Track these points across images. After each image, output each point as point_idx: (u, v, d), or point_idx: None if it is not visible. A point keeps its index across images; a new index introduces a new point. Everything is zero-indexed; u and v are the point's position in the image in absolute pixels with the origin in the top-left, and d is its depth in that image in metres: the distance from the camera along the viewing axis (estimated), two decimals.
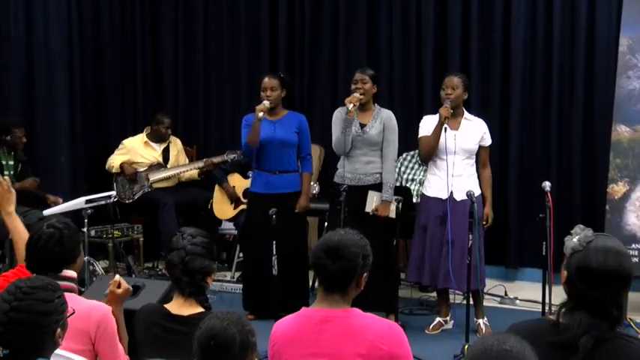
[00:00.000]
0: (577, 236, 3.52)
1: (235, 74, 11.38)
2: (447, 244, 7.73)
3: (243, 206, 9.89)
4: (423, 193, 8.17)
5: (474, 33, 10.11)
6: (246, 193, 9.90)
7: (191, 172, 10.36)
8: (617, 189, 8.57)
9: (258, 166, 8.45)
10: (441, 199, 7.75)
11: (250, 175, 9.91)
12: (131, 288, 4.91)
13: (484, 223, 7.87)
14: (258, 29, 11.23)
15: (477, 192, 7.78)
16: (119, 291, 4.76)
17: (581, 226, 3.61)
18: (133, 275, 9.26)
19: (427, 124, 7.91)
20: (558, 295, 7.06)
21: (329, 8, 10.86)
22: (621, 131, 8.59)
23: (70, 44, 10.65)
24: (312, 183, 8.59)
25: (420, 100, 10.31)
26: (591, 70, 9.54)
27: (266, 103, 8.12)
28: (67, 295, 3.86)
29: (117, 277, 4.89)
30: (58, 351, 3.77)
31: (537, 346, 2.89)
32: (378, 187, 7.90)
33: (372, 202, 7.76)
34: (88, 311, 4.44)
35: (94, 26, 11.06)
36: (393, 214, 7.86)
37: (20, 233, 4.95)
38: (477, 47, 10.10)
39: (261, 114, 8.03)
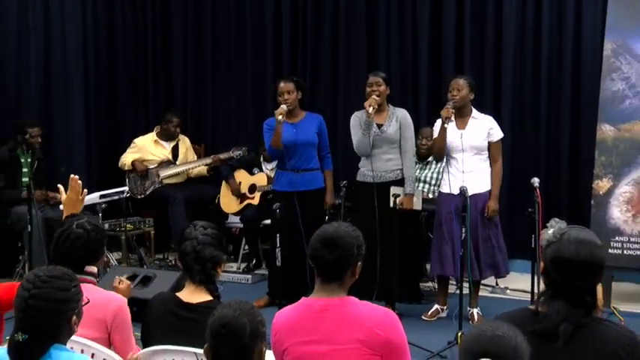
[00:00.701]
0: (552, 229, 3.53)
1: (241, 76, 11.39)
2: (460, 237, 7.76)
3: (248, 201, 9.93)
4: (440, 191, 8.22)
5: (467, 37, 10.13)
6: (252, 188, 9.94)
7: (200, 168, 10.39)
8: (602, 185, 8.58)
9: (282, 166, 8.46)
10: (453, 194, 7.76)
11: (256, 171, 9.98)
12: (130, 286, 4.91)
13: (486, 213, 7.86)
14: (263, 34, 11.25)
15: (487, 187, 7.89)
16: (121, 287, 4.77)
17: (556, 219, 3.63)
18: (145, 266, 9.28)
19: (438, 127, 7.93)
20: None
21: (330, 13, 10.87)
22: (606, 130, 8.59)
23: (85, 49, 10.68)
24: None
25: (415, 99, 10.33)
26: (578, 72, 9.59)
27: (284, 107, 8.10)
28: (86, 286, 3.89)
29: (116, 278, 4.93)
30: (74, 337, 3.79)
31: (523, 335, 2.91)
32: (399, 182, 7.94)
33: (396, 197, 7.77)
34: (106, 302, 4.46)
35: (107, 31, 11.07)
36: (418, 206, 7.98)
37: None
38: (469, 51, 10.13)
39: (280, 117, 8.02)
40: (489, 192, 7.88)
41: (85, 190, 5.24)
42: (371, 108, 7.72)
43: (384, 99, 7.97)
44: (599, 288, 3.57)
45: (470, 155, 7.84)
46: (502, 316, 3.64)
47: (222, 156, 9.97)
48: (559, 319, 3.39)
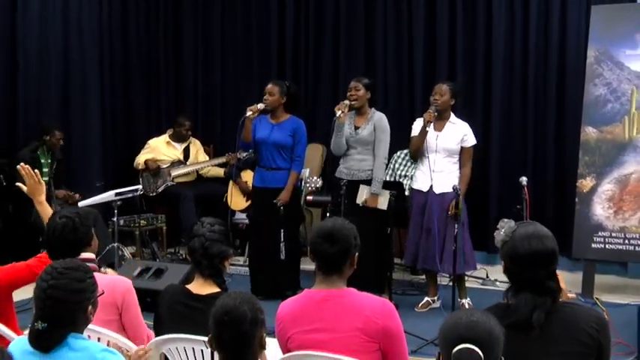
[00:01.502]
0: (502, 229, 3.58)
1: (248, 82, 11.40)
2: (426, 232, 7.78)
3: None
4: (411, 187, 8.20)
5: (459, 46, 10.16)
6: None
7: (216, 169, 10.41)
8: (586, 183, 8.59)
9: (258, 163, 8.51)
10: (422, 191, 7.79)
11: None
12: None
13: (449, 212, 7.73)
14: (268, 43, 11.28)
15: (448, 187, 7.73)
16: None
17: (505, 219, 3.68)
18: (157, 259, 9.29)
19: (417, 126, 7.91)
20: None
21: (330, 24, 10.91)
22: (589, 132, 8.60)
23: (101, 57, 10.70)
24: (314, 178, 8.58)
25: (411, 104, 10.34)
26: (563, 78, 9.61)
27: (259, 105, 8.18)
28: (97, 275, 3.88)
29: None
30: (90, 326, 3.79)
31: None
32: (370, 182, 7.88)
33: (363, 194, 7.77)
34: (113, 285, 4.47)
35: (122, 40, 11.09)
36: (383, 206, 7.81)
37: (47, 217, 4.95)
38: (461, 59, 10.15)
39: (249, 113, 8.14)
40: (454, 191, 7.81)
41: (36, 171, 5.25)
42: (339, 112, 7.72)
43: (363, 103, 7.93)
44: (560, 274, 3.59)
45: (442, 156, 7.83)
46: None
47: (239, 155, 10.00)
48: (528, 309, 3.41)
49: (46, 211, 5.09)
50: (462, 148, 7.89)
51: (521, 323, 3.40)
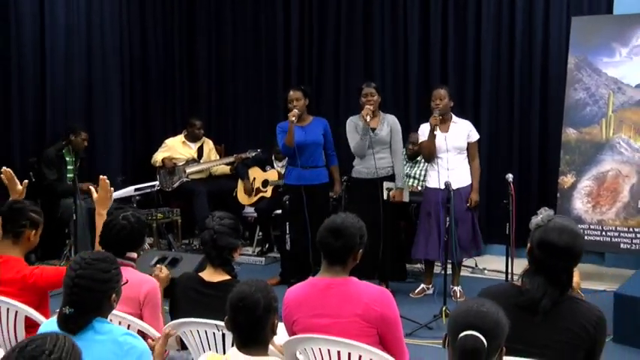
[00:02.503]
0: (541, 215, 3.58)
1: (256, 86, 11.42)
2: (444, 226, 7.76)
3: (262, 194, 9.97)
4: (426, 186, 8.17)
5: (450, 52, 10.15)
6: (265, 182, 9.98)
7: (224, 167, 10.40)
8: (567, 180, 8.60)
9: (292, 163, 8.43)
10: (440, 189, 7.73)
11: (268, 168, 10.02)
12: (170, 276, 4.91)
13: (469, 205, 7.88)
14: (275, 50, 11.29)
15: (469, 181, 7.90)
16: (161, 275, 4.78)
17: (546, 207, 3.68)
18: (173, 249, 9.29)
19: (424, 131, 7.91)
20: (517, 265, 7.11)
21: (332, 31, 10.91)
22: (570, 133, 8.61)
23: (122, 64, 10.71)
24: None
25: (406, 105, 10.34)
26: (545, 83, 9.61)
27: (295, 111, 8.12)
28: (126, 268, 3.92)
29: (158, 266, 4.93)
30: (114, 312, 3.82)
31: (505, 306, 2.94)
32: (390, 178, 7.93)
33: (389, 190, 7.80)
34: (140, 283, 4.47)
35: (141, 48, 11.08)
36: (406, 199, 8.01)
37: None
38: (453, 64, 10.15)
39: (293, 119, 8.07)
40: (470, 185, 7.89)
41: (112, 188, 5.24)
42: (368, 117, 7.74)
43: (377, 106, 7.97)
44: (576, 272, 3.60)
45: (453, 155, 7.84)
46: (488, 289, 3.70)
47: (243, 155, 10.01)
48: (539, 294, 3.43)
49: (101, 222, 5.08)
50: (468, 143, 7.93)
51: (529, 305, 3.43)
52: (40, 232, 4.91)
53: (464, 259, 8.30)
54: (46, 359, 2.53)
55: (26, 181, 5.37)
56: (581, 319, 3.43)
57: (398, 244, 8.24)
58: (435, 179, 7.85)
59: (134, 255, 4.68)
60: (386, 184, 7.82)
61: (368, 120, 7.76)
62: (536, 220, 3.59)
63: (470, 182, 7.92)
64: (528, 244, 3.61)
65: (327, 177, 8.50)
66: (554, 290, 3.45)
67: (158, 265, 4.98)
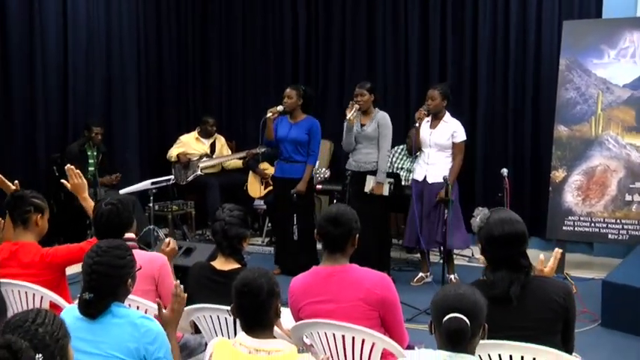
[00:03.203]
0: (478, 216, 3.65)
1: (266, 85, 11.44)
2: (425, 217, 7.80)
3: (270, 188, 9.96)
4: (412, 177, 8.19)
5: (449, 54, 10.18)
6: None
7: (236, 161, 10.39)
8: (558, 174, 8.59)
9: (278, 157, 8.53)
10: (418, 180, 7.81)
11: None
12: (176, 247, 4.92)
13: (437, 197, 7.79)
14: (283, 50, 11.30)
15: (438, 177, 7.76)
16: (167, 249, 4.81)
17: (479, 207, 3.75)
18: (187, 240, 9.31)
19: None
20: None
21: (338, 33, 10.93)
22: (561, 130, 8.61)
23: (139, 64, 10.72)
24: (323, 169, 8.60)
25: (407, 104, 10.35)
26: (538, 83, 9.61)
27: (279, 107, 8.19)
28: (135, 251, 3.92)
29: (167, 239, 4.98)
30: (130, 296, 3.84)
31: None
32: (375, 172, 7.90)
33: (370, 183, 7.81)
34: (151, 260, 4.54)
35: (156, 49, 11.09)
36: (385, 193, 7.89)
37: (91, 209, 4.98)
38: (451, 65, 10.16)
39: (269, 114, 8.16)
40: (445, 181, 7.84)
41: (78, 172, 5.27)
42: (350, 114, 7.73)
43: (368, 105, 7.93)
44: (553, 259, 3.65)
45: (434, 151, 7.85)
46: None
47: (254, 151, 10.02)
48: (506, 284, 3.48)
49: (88, 204, 5.10)
50: (453, 143, 7.91)
51: (501, 296, 3.46)
52: (46, 217, 4.94)
53: (455, 249, 8.27)
54: (31, 325, 2.55)
55: (16, 181, 5.38)
56: (550, 293, 3.51)
57: (383, 235, 8.20)
58: (417, 171, 7.98)
59: (132, 235, 4.72)
60: (368, 178, 7.85)
61: (349, 117, 7.74)
62: (475, 222, 3.65)
63: (439, 178, 7.76)
64: (478, 244, 3.67)
65: (302, 172, 8.39)
66: (519, 275, 3.51)
67: (167, 240, 4.98)
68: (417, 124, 7.78)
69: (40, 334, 2.53)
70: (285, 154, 8.39)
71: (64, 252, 4.72)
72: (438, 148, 7.86)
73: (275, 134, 8.34)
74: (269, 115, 8.16)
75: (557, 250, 3.86)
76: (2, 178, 5.40)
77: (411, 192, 8.05)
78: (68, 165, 5.32)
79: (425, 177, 7.78)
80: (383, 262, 7.92)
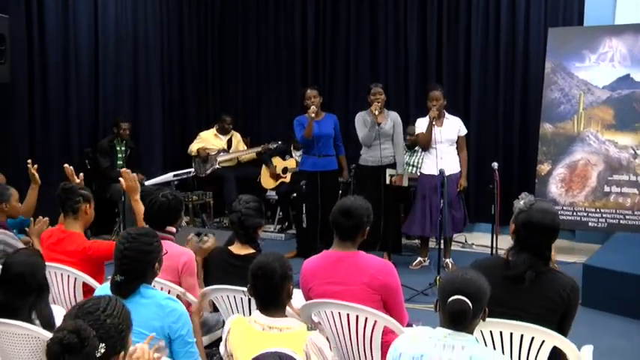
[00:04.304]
0: (522, 200, 3.63)
1: (277, 86, 11.43)
2: (435, 207, 7.77)
3: (282, 179, 10.00)
4: (421, 172, 8.14)
5: (445, 58, 10.15)
6: (285, 169, 10.01)
7: (250, 155, 10.38)
8: (543, 168, 8.60)
9: (307, 152, 8.47)
10: (433, 175, 7.76)
11: (287, 157, 10.05)
12: (213, 245, 4.90)
13: (459, 189, 7.91)
14: (293, 54, 11.28)
15: (455, 169, 7.88)
16: (204, 246, 4.80)
17: (526, 192, 3.74)
18: (206, 227, 9.32)
19: (420, 125, 7.97)
20: (501, 241, 7.11)
21: (343, 39, 10.90)
22: (546, 127, 8.61)
23: (162, 67, 10.74)
24: None
25: (406, 103, 10.33)
26: (526, 84, 9.60)
27: (314, 107, 8.17)
28: (165, 242, 3.95)
29: (210, 238, 4.90)
30: (157, 279, 3.86)
31: (494, 277, 3.00)
32: (392, 165, 7.95)
33: (391, 176, 7.89)
34: (179, 255, 4.54)
35: (179, 54, 11.11)
36: (405, 184, 8.01)
37: (140, 213, 4.99)
38: (447, 68, 10.13)
39: (313, 115, 8.14)
40: (459, 172, 7.91)
41: (134, 175, 5.30)
42: (377, 111, 7.78)
43: (383, 104, 7.98)
44: (554, 247, 3.65)
45: (446, 146, 7.84)
46: (480, 261, 3.77)
47: (268, 145, 10.04)
48: (525, 267, 3.49)
49: (139, 206, 5.09)
50: (458, 137, 7.95)
51: (517, 277, 3.49)
52: (93, 206, 4.98)
53: (454, 235, 8.36)
54: (101, 314, 2.56)
55: (81, 174, 5.43)
56: (558, 287, 3.50)
57: (396, 223, 8.25)
58: (429, 166, 7.91)
59: (173, 229, 4.74)
60: (389, 171, 7.90)
61: (377, 114, 7.80)
62: (519, 204, 3.63)
63: (458, 170, 7.93)
64: (512, 225, 3.65)
65: (336, 164, 8.53)
66: (538, 262, 3.50)
67: (205, 238, 4.97)
68: (434, 124, 7.78)
69: (107, 325, 2.55)
70: (319, 149, 8.33)
71: (104, 249, 4.71)
72: (449, 143, 7.88)
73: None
74: (313, 115, 8.15)
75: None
76: (71, 171, 5.41)
77: (417, 185, 8.09)
78: (125, 169, 5.34)
79: (442, 170, 7.66)
80: (396, 246, 8.05)
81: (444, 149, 7.84)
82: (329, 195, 8.20)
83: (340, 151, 8.63)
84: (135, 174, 8.86)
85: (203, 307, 4.43)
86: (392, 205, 7.98)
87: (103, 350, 2.47)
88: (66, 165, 5.55)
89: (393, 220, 8.03)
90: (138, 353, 2.71)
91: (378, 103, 7.85)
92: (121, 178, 5.31)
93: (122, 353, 2.61)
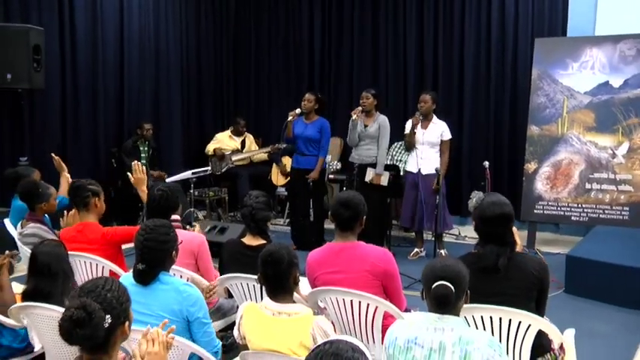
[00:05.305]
0: (474, 198, 3.70)
1: (287, 90, 11.42)
2: (419, 202, 7.80)
3: (290, 177, 10.00)
4: (405, 169, 8.21)
5: (440, 65, 10.13)
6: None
7: (262, 155, 10.37)
8: (530, 166, 8.57)
9: (295, 151, 8.54)
10: (413, 172, 7.82)
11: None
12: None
13: (433, 186, 7.82)
14: (302, 61, 11.28)
15: (431, 169, 7.82)
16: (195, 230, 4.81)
17: (475, 191, 3.81)
18: (221, 220, 9.32)
19: (408, 126, 7.97)
20: None
21: (347, 46, 10.90)
22: (533, 129, 8.58)
23: (182, 73, 10.75)
24: (335, 162, 8.55)
25: (405, 106, 10.30)
26: (515, 90, 9.57)
27: (297, 110, 8.24)
28: (178, 230, 3.96)
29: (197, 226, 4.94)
30: (174, 267, 3.86)
31: (471, 270, 2.99)
32: (374, 165, 7.90)
33: (370, 174, 7.81)
34: (192, 238, 4.60)
35: (197, 60, 11.12)
36: (384, 183, 7.85)
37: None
38: (442, 74, 10.12)
39: (290, 117, 8.21)
40: (435, 174, 7.81)
41: (144, 167, 5.37)
42: (355, 115, 7.74)
43: (371, 108, 7.92)
44: (515, 230, 3.68)
45: (427, 147, 7.85)
46: (454, 259, 3.73)
47: (277, 146, 10.04)
48: (494, 256, 3.51)
49: (145, 196, 5.14)
50: (441, 141, 7.91)
51: (489, 267, 3.51)
52: (102, 198, 4.99)
53: (444, 230, 8.18)
54: (101, 290, 2.58)
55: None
56: (529, 267, 3.55)
57: (382, 218, 8.09)
58: (410, 165, 8.00)
59: (177, 217, 4.77)
60: (368, 170, 7.84)
61: (354, 118, 7.76)
62: (472, 202, 3.69)
63: (432, 170, 7.83)
64: (473, 222, 3.70)
65: (314, 164, 8.40)
66: (505, 250, 3.54)
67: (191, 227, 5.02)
68: (415, 130, 7.80)
69: (108, 298, 2.57)
70: (301, 148, 8.40)
71: (121, 232, 4.78)
72: (430, 145, 7.86)
73: (293, 132, 8.35)
74: (290, 118, 8.20)
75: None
76: (139, 167, 5.44)
77: (406, 181, 8.07)
78: (136, 162, 5.39)
79: (419, 169, 7.75)
80: (383, 241, 7.97)
81: (424, 150, 7.85)
82: (313, 190, 8.31)
83: (321, 153, 8.42)
84: (159, 172, 8.95)
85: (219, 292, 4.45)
86: (376, 201, 7.58)
87: (109, 321, 2.50)
88: (53, 154, 5.75)
89: (377, 216, 7.60)
90: (152, 334, 2.73)
91: (362, 106, 7.85)
92: (128, 173, 5.38)
93: (127, 323, 2.63)
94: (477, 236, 3.70)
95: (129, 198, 8.62)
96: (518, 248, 3.74)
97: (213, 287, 4.29)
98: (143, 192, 5.25)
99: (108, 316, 2.50)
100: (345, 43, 10.95)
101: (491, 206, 3.58)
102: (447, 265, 2.90)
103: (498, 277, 3.51)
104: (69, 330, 2.45)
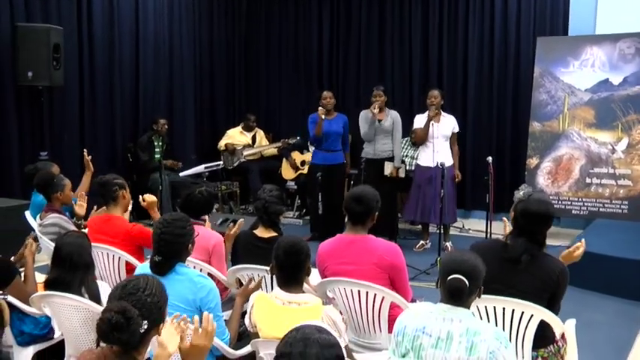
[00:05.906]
0: (522, 191, 3.66)
1: (297, 88, 11.41)
2: (430, 196, 7.75)
3: (300, 171, 9.98)
4: (417, 163, 8.13)
5: (444, 63, 10.12)
6: (303, 162, 9.99)
7: (272, 150, 10.38)
8: (532, 162, 8.57)
9: (319, 147, 8.48)
10: (429, 167, 7.75)
11: (305, 151, 10.02)
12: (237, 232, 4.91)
13: (456, 179, 7.97)
14: (310, 59, 11.26)
15: (451, 162, 7.86)
16: (231, 232, 4.81)
17: (525, 184, 3.79)
18: (233, 213, 9.33)
19: (419, 121, 7.94)
20: (495, 227, 7.07)
21: (354, 45, 10.88)
22: (535, 126, 8.58)
23: (195, 71, 10.73)
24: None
25: (410, 103, 10.29)
26: (517, 87, 9.57)
27: (321, 109, 8.22)
28: (199, 227, 3.98)
29: (237, 224, 4.91)
30: (189, 259, 3.87)
31: (492, 256, 3.00)
32: (390, 159, 7.95)
33: (388, 168, 7.87)
34: (209, 237, 4.59)
35: (209, 59, 11.09)
36: (402, 175, 8.01)
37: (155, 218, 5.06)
38: (447, 72, 10.11)
39: (323, 116, 8.19)
40: (452, 165, 7.91)
41: (154, 199, 5.40)
42: (376, 110, 7.79)
43: (383, 103, 7.97)
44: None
45: (442, 141, 7.83)
46: (479, 243, 3.79)
47: (288, 141, 10.05)
48: (521, 250, 3.50)
49: (156, 217, 5.13)
50: (452, 133, 7.93)
51: (514, 258, 3.50)
52: (129, 190, 5.05)
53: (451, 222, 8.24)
54: (142, 295, 2.59)
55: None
56: (549, 270, 3.50)
57: (393, 211, 8.18)
58: (425, 159, 7.92)
59: (206, 217, 4.81)
60: (387, 164, 7.90)
61: (375, 112, 7.81)
62: (518, 194, 3.65)
63: (451, 162, 7.91)
64: (512, 213, 3.67)
65: (343, 158, 8.54)
66: (533, 247, 3.51)
67: (230, 225, 5.01)
68: (432, 122, 7.76)
69: (148, 304, 2.59)
70: (329, 145, 8.38)
71: (145, 237, 4.75)
72: (444, 138, 7.87)
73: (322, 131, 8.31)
74: (323, 116, 8.20)
75: (582, 242, 3.88)
76: (149, 198, 5.43)
77: (418, 175, 8.04)
78: (144, 196, 5.36)
79: (438, 163, 7.56)
80: (395, 234, 8.00)
81: (439, 144, 7.83)
82: (337, 185, 8.33)
83: (346, 148, 8.62)
84: (172, 161, 8.99)
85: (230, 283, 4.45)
86: (388, 194, 7.71)
87: (146, 327, 2.52)
88: (85, 150, 6.00)
89: (388, 209, 7.79)
90: (167, 324, 2.74)
91: (377, 103, 7.88)
92: (140, 196, 5.38)
93: (161, 325, 2.65)
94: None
95: (144, 192, 8.64)
96: (578, 254, 3.78)
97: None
98: (155, 213, 5.31)
99: (145, 322, 2.52)
100: (352, 42, 10.93)
101: (536, 203, 3.55)
102: (465, 260, 2.88)
103: (518, 271, 3.50)
104: (106, 332, 2.46)
